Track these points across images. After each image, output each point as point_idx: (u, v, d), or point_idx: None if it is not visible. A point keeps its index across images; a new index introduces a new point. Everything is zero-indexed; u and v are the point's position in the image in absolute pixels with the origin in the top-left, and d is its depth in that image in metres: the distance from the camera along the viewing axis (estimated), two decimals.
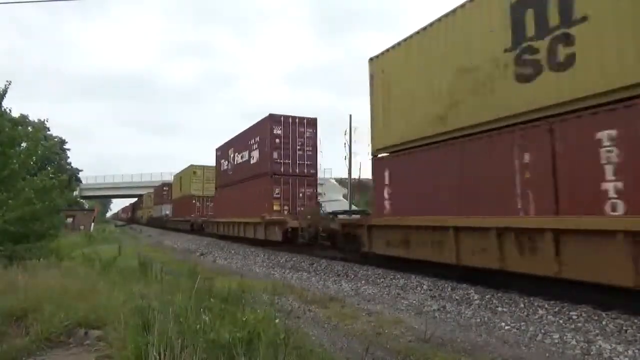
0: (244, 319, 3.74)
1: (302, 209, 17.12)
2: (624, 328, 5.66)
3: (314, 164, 18.27)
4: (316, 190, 18.41)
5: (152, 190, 58.47)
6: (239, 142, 21.57)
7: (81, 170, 64.79)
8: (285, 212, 17.03)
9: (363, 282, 10.02)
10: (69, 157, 58.05)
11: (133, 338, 3.66)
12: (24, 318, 5.31)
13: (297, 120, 18.00)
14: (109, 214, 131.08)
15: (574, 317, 6.22)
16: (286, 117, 17.82)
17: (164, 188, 45.96)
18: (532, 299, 7.18)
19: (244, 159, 20.51)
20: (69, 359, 4.46)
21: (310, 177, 18.19)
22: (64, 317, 5.01)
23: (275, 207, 17.13)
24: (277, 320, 3.92)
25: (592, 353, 5.00)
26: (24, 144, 13.16)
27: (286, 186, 17.54)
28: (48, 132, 41.59)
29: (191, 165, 35.05)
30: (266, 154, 17.74)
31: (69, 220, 39.24)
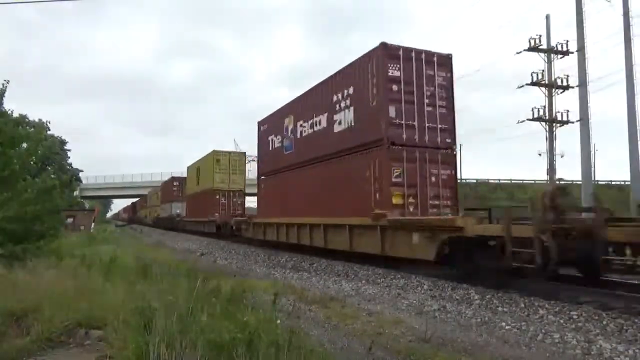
0: (245, 319, 3.75)
1: (438, 202, 10.91)
2: (625, 328, 5.67)
3: (450, 129, 11.46)
4: (455, 173, 11.64)
5: (152, 188, 56.47)
6: (308, 102, 14.76)
7: (81, 171, 64.81)
8: (411, 208, 10.62)
9: (363, 282, 10.02)
10: (69, 158, 58.10)
11: (134, 338, 3.66)
12: (24, 318, 5.32)
13: (423, 55, 11.22)
14: (109, 214, 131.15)
15: (575, 317, 6.22)
16: (407, 50, 11.11)
17: (174, 183, 39.67)
18: (532, 298, 7.17)
19: (320, 127, 13.74)
20: (69, 359, 4.46)
21: (446, 151, 11.37)
22: (64, 317, 5.03)
23: (396, 200, 10.55)
24: (278, 321, 3.92)
25: (592, 353, 5.00)
26: (24, 145, 13.17)
27: (411, 164, 10.76)
28: (49, 132, 41.65)
29: (213, 152, 27.81)
30: (376, 111, 10.99)
31: (70, 220, 39.12)
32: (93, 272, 8.09)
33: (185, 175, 38.59)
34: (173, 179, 41.19)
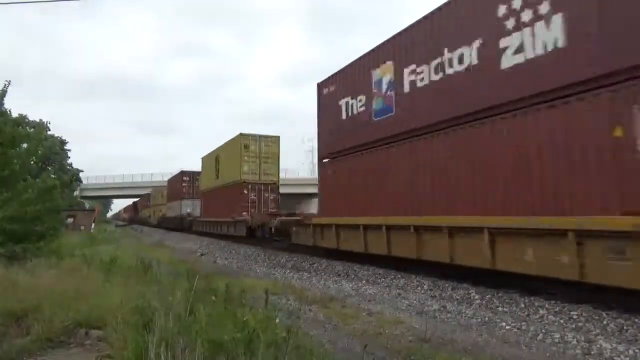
0: (244, 318, 3.74)
1: None
2: (625, 328, 5.67)
3: None
4: None
5: (156, 187, 54.72)
6: (429, 34, 9.66)
7: (82, 171, 64.83)
8: None
9: (364, 282, 10.02)
10: (69, 158, 58.11)
11: (133, 338, 3.66)
12: (24, 318, 5.32)
13: None
14: (109, 214, 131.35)
15: (575, 316, 6.22)
16: None
17: (184, 178, 35.40)
18: (532, 298, 7.19)
19: (462, 67, 8.74)
20: (69, 359, 4.47)
21: None
22: (65, 317, 5.03)
23: None
24: (277, 321, 3.92)
25: (592, 353, 4.99)
26: (24, 145, 13.17)
27: None
28: (49, 132, 41.75)
29: (240, 135, 22.19)
30: None
31: (70, 220, 39.13)
32: (93, 272, 8.09)
33: (192, 170, 35.16)
34: (182, 173, 36.23)
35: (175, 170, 42.35)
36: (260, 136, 22.30)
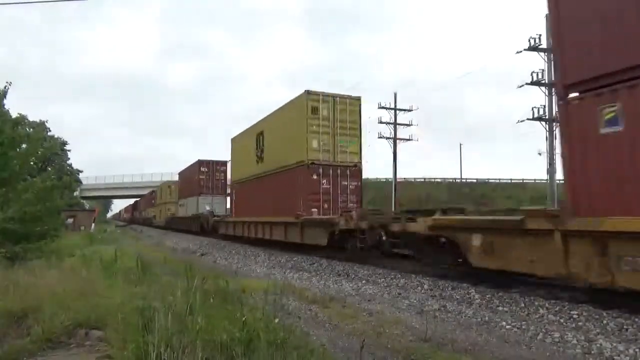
0: (244, 318, 3.75)
1: None
2: (625, 327, 5.67)
3: None
4: None
5: (162, 183, 50.55)
6: None
7: (81, 171, 64.83)
8: None
9: (364, 281, 10.02)
10: (69, 159, 58.12)
11: (134, 338, 3.67)
12: (24, 318, 5.32)
13: None
14: (109, 214, 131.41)
15: (575, 316, 6.22)
16: None
17: (201, 169, 29.18)
18: (532, 298, 7.18)
19: None
20: (69, 359, 4.47)
21: None
22: (65, 318, 5.03)
23: None
24: (276, 320, 3.92)
25: (592, 352, 5.00)
26: (24, 145, 13.19)
27: None
28: (49, 133, 41.80)
29: (306, 94, 14.85)
30: None
31: (70, 220, 39.20)
32: (93, 272, 8.10)
33: (212, 159, 29.88)
34: (200, 163, 29.56)
35: (175, 170, 41.48)
36: (335, 96, 15.19)
